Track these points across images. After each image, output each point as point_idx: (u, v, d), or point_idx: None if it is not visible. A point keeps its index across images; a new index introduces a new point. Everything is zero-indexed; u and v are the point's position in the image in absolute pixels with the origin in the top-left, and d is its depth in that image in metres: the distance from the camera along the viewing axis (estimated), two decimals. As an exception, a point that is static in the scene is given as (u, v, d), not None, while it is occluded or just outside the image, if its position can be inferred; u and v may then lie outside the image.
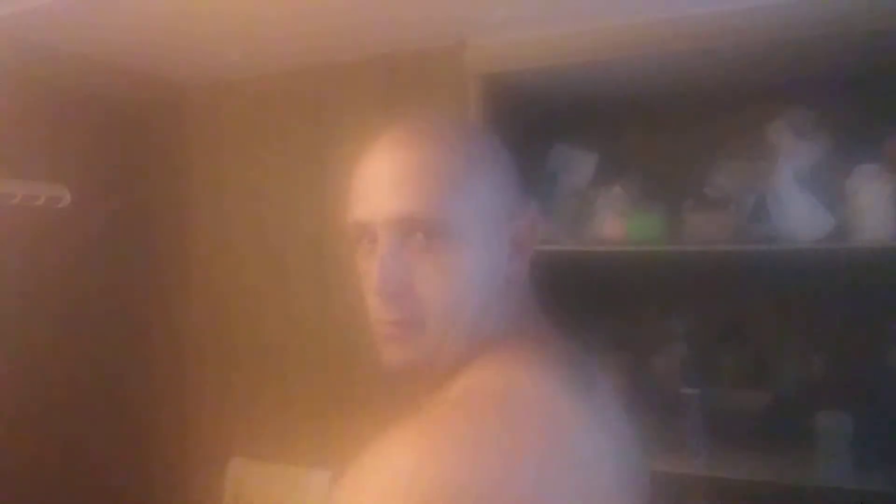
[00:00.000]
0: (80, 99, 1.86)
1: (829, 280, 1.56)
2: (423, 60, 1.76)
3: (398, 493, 0.47)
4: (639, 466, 0.68)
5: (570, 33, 1.50)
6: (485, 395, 0.58)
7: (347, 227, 0.67)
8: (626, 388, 1.65)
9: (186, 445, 2.11)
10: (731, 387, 1.63)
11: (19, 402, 1.68)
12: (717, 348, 1.70)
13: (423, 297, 0.62)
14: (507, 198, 0.67)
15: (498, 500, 0.48)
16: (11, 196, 1.61)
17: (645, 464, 0.71)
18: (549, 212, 1.66)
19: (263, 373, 2.03)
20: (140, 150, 2.05)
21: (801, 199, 1.41)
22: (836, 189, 1.40)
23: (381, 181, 0.63)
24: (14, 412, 1.66)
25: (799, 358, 1.62)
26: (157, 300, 2.10)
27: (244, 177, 2.05)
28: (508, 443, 0.51)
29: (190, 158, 2.13)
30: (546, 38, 1.52)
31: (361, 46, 1.76)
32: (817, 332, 1.65)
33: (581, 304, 1.82)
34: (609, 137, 1.80)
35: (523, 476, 0.50)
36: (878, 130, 1.44)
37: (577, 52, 1.49)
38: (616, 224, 1.59)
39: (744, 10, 1.35)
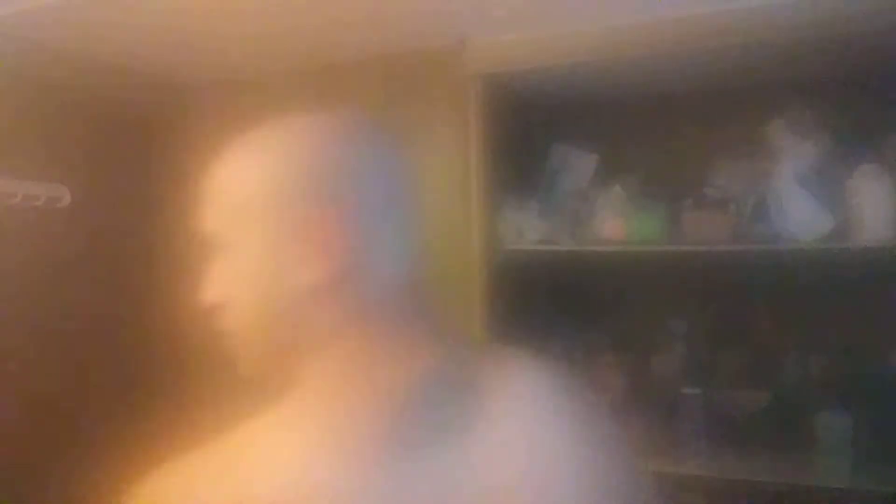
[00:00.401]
0: (80, 99, 1.86)
1: (829, 280, 1.56)
2: (423, 60, 1.76)
3: None
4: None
5: (570, 33, 1.50)
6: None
7: None
8: (627, 388, 1.66)
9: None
10: (731, 387, 1.63)
11: (16, 404, 1.68)
12: (717, 348, 1.70)
13: (229, 313, 0.64)
14: (304, 201, 0.58)
15: None
16: (11, 196, 1.61)
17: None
18: (548, 212, 1.67)
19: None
20: (140, 150, 2.05)
21: (801, 199, 1.41)
22: (836, 189, 1.40)
23: None
24: (11, 417, 1.66)
25: (799, 358, 1.62)
26: (157, 300, 2.10)
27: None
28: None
29: (190, 159, 2.13)
30: (546, 38, 1.52)
31: (361, 46, 1.76)
32: (817, 332, 1.65)
33: (581, 304, 1.82)
34: (609, 137, 1.80)
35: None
36: (878, 130, 1.44)
37: (577, 52, 1.49)
38: (616, 224, 1.59)
39: (744, 10, 1.35)
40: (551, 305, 1.80)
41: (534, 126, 1.80)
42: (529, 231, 1.63)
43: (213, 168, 0.67)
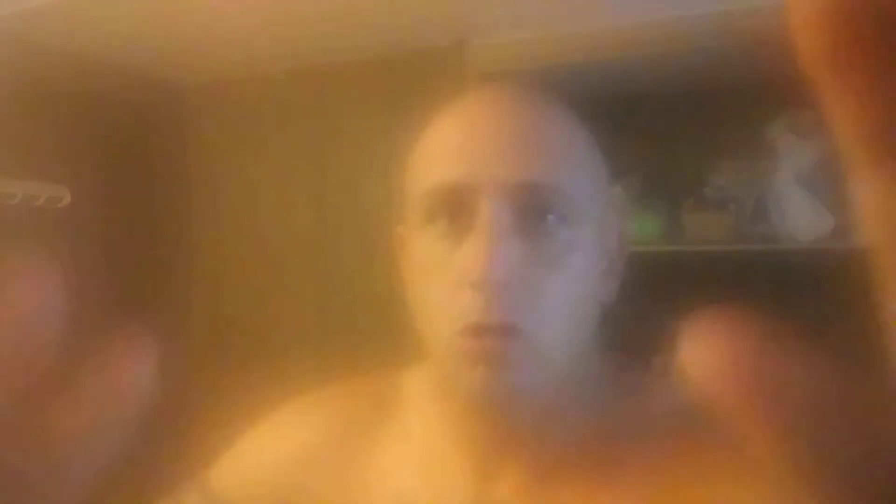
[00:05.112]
0: (80, 99, 1.86)
1: (829, 280, 1.56)
2: (423, 60, 1.76)
3: None
4: None
5: (570, 33, 1.50)
6: None
7: (414, 199, 0.50)
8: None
9: (187, 445, 2.10)
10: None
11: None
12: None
13: (539, 300, 0.46)
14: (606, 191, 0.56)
15: None
16: (11, 196, 1.61)
17: None
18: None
19: (263, 373, 2.03)
20: (140, 150, 2.05)
21: (801, 199, 1.41)
22: (836, 189, 1.40)
23: (496, 138, 0.48)
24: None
25: (799, 358, 1.62)
26: (157, 300, 2.10)
27: (244, 177, 2.05)
28: None
29: (190, 158, 2.13)
30: (546, 37, 1.52)
31: (361, 46, 1.76)
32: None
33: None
34: (609, 137, 1.80)
35: None
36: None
37: (577, 52, 1.49)
38: (616, 224, 1.59)
39: (744, 10, 1.35)
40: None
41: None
42: (529, 231, 1.63)
43: None
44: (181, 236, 2.13)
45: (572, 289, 0.48)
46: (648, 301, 1.85)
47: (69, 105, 1.84)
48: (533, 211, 0.47)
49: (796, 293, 1.66)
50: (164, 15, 1.48)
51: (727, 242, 1.47)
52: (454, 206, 0.47)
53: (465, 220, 0.46)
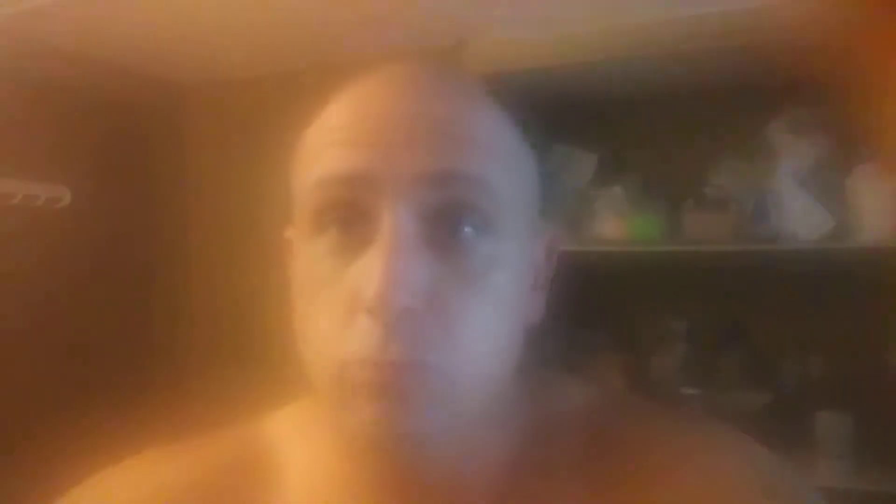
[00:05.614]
0: (79, 98, 1.86)
1: (829, 280, 1.56)
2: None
3: None
4: None
5: (570, 33, 1.50)
6: None
7: (301, 197, 0.41)
8: (627, 388, 1.66)
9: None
10: (731, 387, 1.63)
11: (16, 402, 1.68)
12: (717, 348, 1.70)
13: (452, 330, 0.37)
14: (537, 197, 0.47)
15: None
16: (11, 196, 1.61)
17: None
18: (549, 212, 1.67)
19: (264, 373, 2.03)
20: (140, 150, 2.05)
21: (801, 199, 1.41)
22: (836, 189, 1.40)
23: (401, 120, 0.38)
24: (12, 415, 1.66)
25: (799, 358, 1.62)
26: (158, 300, 2.10)
27: (244, 177, 2.05)
28: None
29: (190, 158, 2.13)
30: (546, 38, 1.52)
31: (361, 46, 1.76)
32: (817, 332, 1.65)
33: (581, 304, 1.82)
34: (609, 137, 1.80)
35: None
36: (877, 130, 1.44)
37: (577, 52, 1.49)
38: (616, 224, 1.59)
39: (744, 11, 1.35)
40: (551, 305, 1.80)
41: (533, 126, 1.80)
42: (529, 231, 1.63)
43: None
44: (181, 236, 2.13)
45: (492, 314, 0.39)
46: (648, 300, 1.85)
47: (70, 105, 1.84)
48: (446, 218, 0.38)
49: (796, 293, 1.67)
50: (163, 15, 1.48)
51: (727, 242, 1.47)
52: (348, 210, 0.38)
53: (362, 229, 0.37)
